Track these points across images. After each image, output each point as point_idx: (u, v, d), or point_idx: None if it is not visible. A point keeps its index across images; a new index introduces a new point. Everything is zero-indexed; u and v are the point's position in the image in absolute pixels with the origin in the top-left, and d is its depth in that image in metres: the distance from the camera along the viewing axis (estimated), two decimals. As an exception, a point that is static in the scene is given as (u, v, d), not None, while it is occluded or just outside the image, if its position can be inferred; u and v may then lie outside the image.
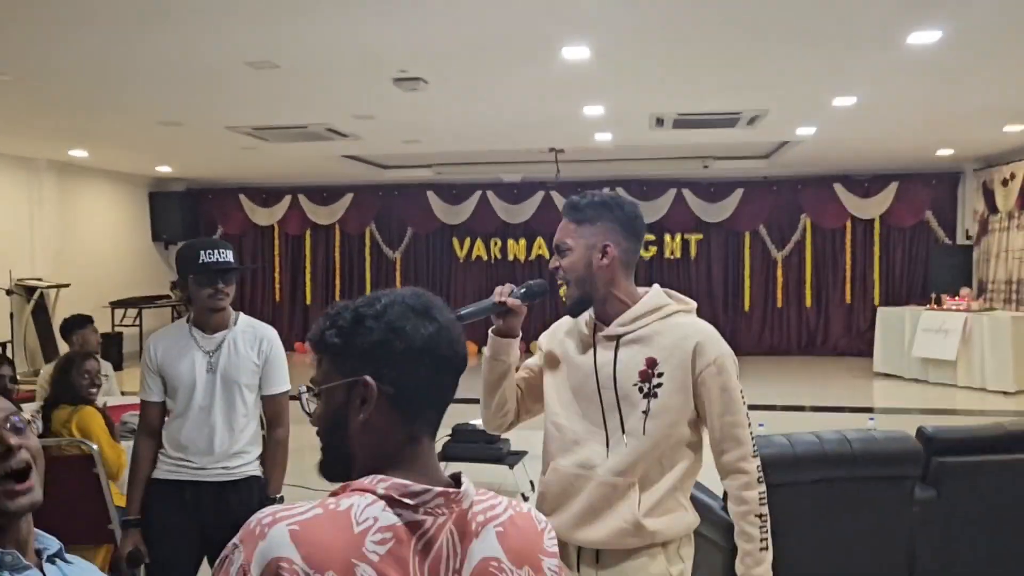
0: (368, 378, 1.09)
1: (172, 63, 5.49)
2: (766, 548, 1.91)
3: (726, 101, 6.88)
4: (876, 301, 11.79)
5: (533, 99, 6.67)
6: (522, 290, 2.10)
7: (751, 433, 1.94)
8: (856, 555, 3.64)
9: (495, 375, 2.16)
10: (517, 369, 2.23)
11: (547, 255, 12.70)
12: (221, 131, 7.99)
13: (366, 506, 1.03)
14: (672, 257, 12.48)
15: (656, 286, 2.08)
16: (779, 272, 12.34)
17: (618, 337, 1.99)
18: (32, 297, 9.59)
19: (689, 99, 6.79)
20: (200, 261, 2.68)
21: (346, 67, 5.63)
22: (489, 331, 2.15)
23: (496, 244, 12.83)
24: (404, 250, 13.09)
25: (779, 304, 12.38)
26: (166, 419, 2.81)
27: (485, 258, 12.88)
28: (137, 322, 11.52)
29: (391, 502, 1.04)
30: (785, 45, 5.16)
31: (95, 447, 3.33)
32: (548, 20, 4.66)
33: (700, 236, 12.43)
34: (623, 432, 1.95)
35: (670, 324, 1.97)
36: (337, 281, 13.24)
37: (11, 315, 9.32)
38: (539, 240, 12.67)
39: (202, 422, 2.75)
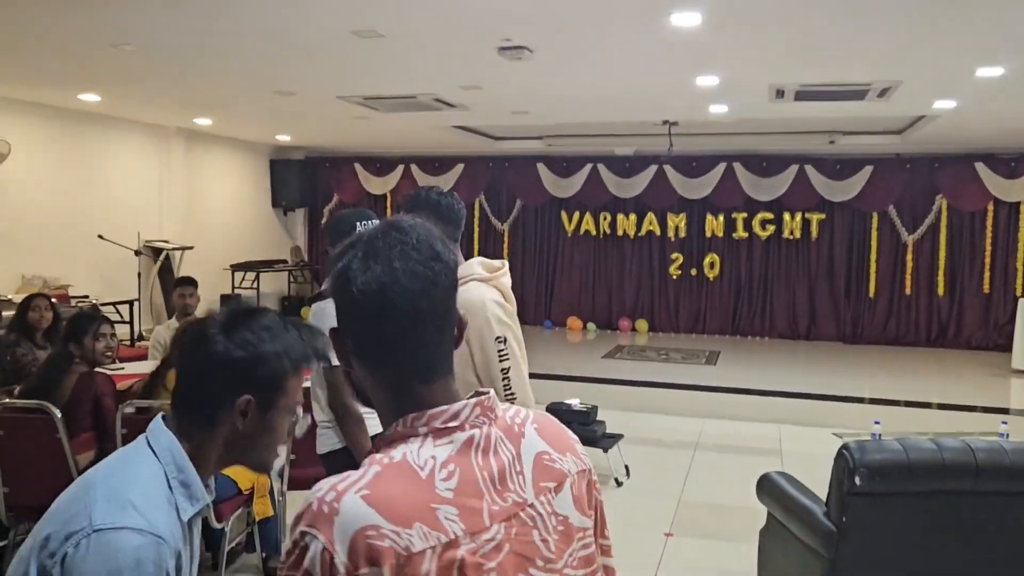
0: (333, 330, 1.09)
1: (280, 33, 5.54)
2: None
3: (854, 71, 6.37)
4: (1018, 292, 10.82)
5: (642, 69, 6.38)
6: None
7: (507, 379, 2.49)
8: (975, 577, 3.30)
9: None
10: None
11: (658, 231, 12.37)
12: (332, 101, 8.09)
13: (418, 449, 1.01)
14: (791, 237, 11.86)
15: (476, 257, 2.65)
16: (909, 257, 11.51)
17: None
18: (158, 258, 10.10)
19: (812, 69, 6.32)
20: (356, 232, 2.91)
21: (449, 36, 5.52)
22: None
23: (606, 219, 12.56)
24: (512, 222, 13.02)
25: (908, 291, 11.56)
26: None
27: (594, 232, 12.64)
28: (255, 285, 11.99)
29: (437, 434, 1.03)
30: (921, 8, 4.68)
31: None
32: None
33: (823, 216, 11.74)
34: None
35: (462, 291, 2.19)
36: (446, 251, 13.32)
37: (139, 275, 9.85)
38: (650, 215, 12.32)
39: None
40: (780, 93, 7.19)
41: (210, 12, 5.09)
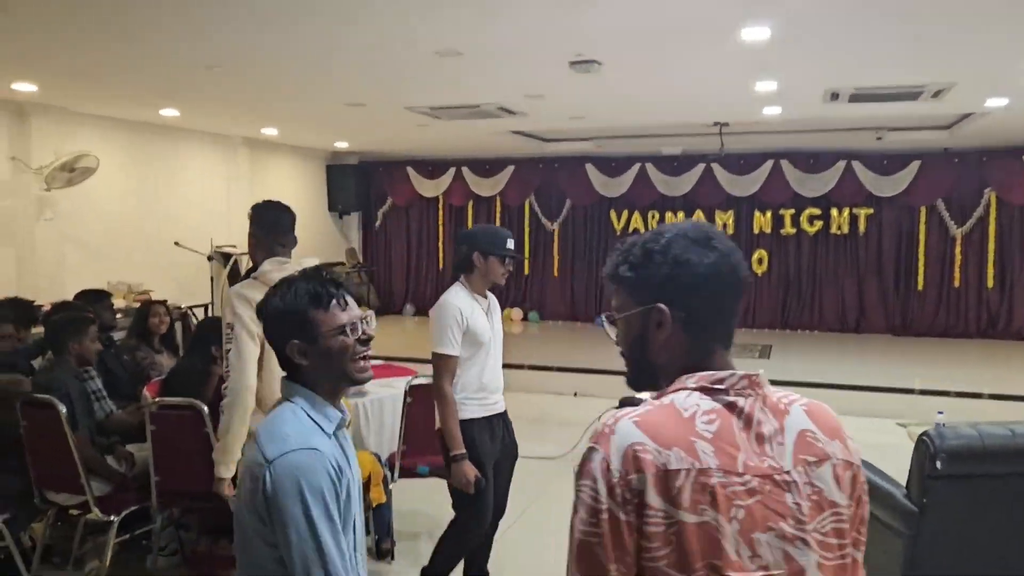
0: (662, 305, 1.28)
1: (365, 53, 5.90)
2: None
3: (909, 74, 6.58)
4: (1069, 283, 10.91)
5: (705, 78, 6.65)
6: None
7: (227, 358, 3.27)
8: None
9: None
10: None
11: (706, 228, 12.55)
12: (400, 111, 8.45)
13: (685, 397, 1.22)
14: (839, 232, 12.03)
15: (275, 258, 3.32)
16: (957, 250, 11.63)
17: None
18: (228, 263, 10.56)
19: (868, 73, 6.54)
20: (507, 246, 3.44)
21: (524, 53, 5.83)
22: None
23: (654, 217, 12.81)
24: (562, 222, 13.29)
25: (956, 283, 11.68)
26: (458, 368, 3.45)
27: (643, 231, 12.79)
28: (316, 287, 12.40)
29: (704, 391, 1.23)
30: (973, 15, 4.88)
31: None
32: (728, 2, 4.66)
33: (870, 211, 11.89)
34: None
35: None
36: (497, 251, 13.63)
37: (211, 278, 10.32)
38: (698, 213, 12.51)
39: (494, 365, 3.55)
40: (835, 96, 7.40)
41: (306, 35, 5.44)
